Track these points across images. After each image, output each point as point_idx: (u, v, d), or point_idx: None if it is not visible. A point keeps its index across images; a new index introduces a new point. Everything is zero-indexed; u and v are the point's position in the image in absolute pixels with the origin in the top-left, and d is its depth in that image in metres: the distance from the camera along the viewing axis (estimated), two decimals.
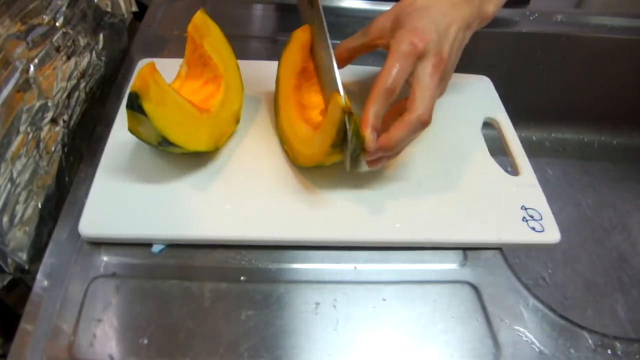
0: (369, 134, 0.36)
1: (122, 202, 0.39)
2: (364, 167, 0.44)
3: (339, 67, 0.44)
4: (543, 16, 0.67)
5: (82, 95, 0.48)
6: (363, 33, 0.43)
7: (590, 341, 0.36)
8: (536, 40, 0.65)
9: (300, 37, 0.45)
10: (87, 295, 0.35)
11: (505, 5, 0.59)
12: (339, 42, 0.52)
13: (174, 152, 0.41)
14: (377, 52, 0.59)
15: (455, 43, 0.39)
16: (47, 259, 0.37)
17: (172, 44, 0.57)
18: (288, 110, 0.44)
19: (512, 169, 0.46)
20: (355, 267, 0.38)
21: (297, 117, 0.43)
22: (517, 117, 0.52)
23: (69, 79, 0.45)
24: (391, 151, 0.37)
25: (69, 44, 0.45)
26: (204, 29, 0.43)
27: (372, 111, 0.37)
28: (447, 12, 0.38)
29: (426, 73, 0.37)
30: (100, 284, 0.35)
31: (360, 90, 0.52)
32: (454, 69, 0.41)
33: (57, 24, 0.44)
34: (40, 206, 0.39)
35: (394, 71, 0.36)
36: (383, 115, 0.37)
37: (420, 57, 0.37)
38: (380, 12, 0.65)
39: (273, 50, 0.58)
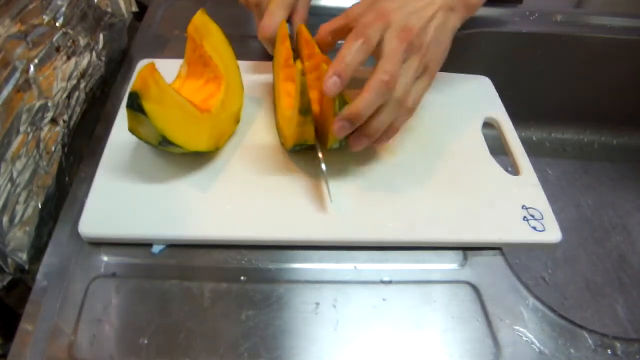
0: (329, 76, 0.35)
1: (122, 202, 0.39)
2: (365, 167, 0.44)
3: (325, 51, 0.45)
4: (543, 16, 0.67)
5: (82, 95, 0.48)
6: (343, 16, 0.44)
7: (590, 341, 0.36)
8: (536, 40, 0.65)
9: (279, 33, 0.47)
10: (87, 295, 0.35)
11: (500, 5, 0.59)
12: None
13: (174, 152, 0.41)
14: None
15: (434, 21, 0.39)
16: (47, 259, 0.37)
17: (172, 44, 0.57)
18: (279, 100, 0.45)
19: (512, 169, 0.46)
20: (355, 267, 0.38)
21: (287, 106, 0.44)
22: (517, 117, 0.52)
23: (69, 79, 0.45)
24: (358, 118, 0.37)
25: (69, 44, 0.45)
26: (204, 29, 0.43)
27: (340, 60, 0.36)
28: None
29: (390, 43, 0.37)
30: (100, 284, 0.35)
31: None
32: (440, 53, 0.40)
33: (57, 24, 0.44)
34: (40, 206, 0.39)
35: (355, 42, 0.36)
36: (353, 71, 0.36)
37: (384, 29, 0.37)
38: None
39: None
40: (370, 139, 0.39)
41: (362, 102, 0.36)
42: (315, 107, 0.42)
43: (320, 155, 0.40)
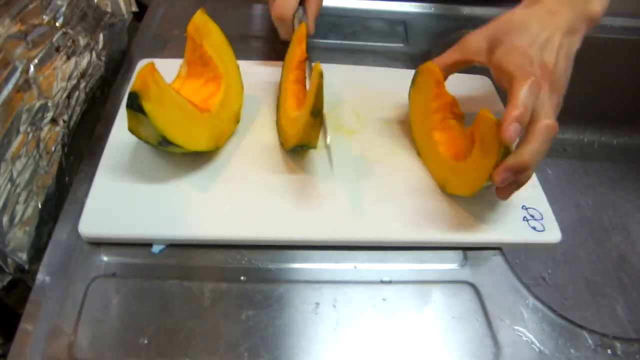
0: (509, 122, 0.34)
1: (122, 202, 0.39)
2: (365, 167, 0.44)
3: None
4: None
5: (82, 95, 0.48)
6: (457, 50, 0.43)
7: (590, 341, 0.36)
8: None
9: (297, 33, 0.47)
10: (87, 295, 0.35)
11: (500, 5, 0.58)
12: (336, 41, 0.52)
13: (174, 152, 0.41)
14: (376, 52, 0.59)
15: (562, 50, 0.38)
16: (47, 259, 0.37)
17: (172, 44, 0.57)
18: (285, 101, 0.45)
19: None
20: (355, 267, 0.38)
21: (292, 107, 0.44)
22: None
23: (69, 79, 0.45)
24: (525, 168, 0.35)
25: (69, 44, 0.45)
26: (204, 29, 0.43)
27: (516, 106, 0.34)
28: (546, 22, 0.38)
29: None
30: (100, 284, 0.35)
31: (365, 90, 0.52)
32: (567, 78, 0.39)
33: (57, 24, 0.44)
34: (40, 206, 0.39)
35: (526, 84, 0.34)
36: (530, 115, 0.35)
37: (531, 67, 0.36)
38: (380, 12, 0.65)
39: (273, 50, 0.58)
40: (519, 187, 0.37)
41: (531, 152, 0.34)
42: (442, 149, 0.42)
43: (328, 137, 0.40)
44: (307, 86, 0.44)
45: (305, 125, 0.38)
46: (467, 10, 0.67)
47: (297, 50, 0.46)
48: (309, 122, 0.37)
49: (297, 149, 0.42)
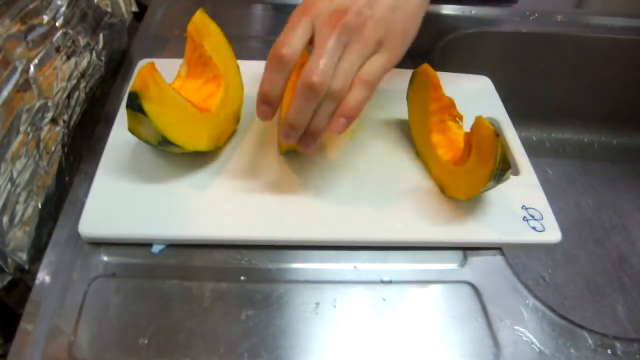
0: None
1: (122, 202, 0.39)
2: (365, 166, 0.44)
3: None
4: (543, 16, 0.67)
5: (82, 95, 0.48)
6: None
7: (590, 341, 0.36)
8: (536, 40, 0.65)
9: None
10: (87, 295, 0.35)
11: (496, 4, 0.58)
12: None
13: (174, 151, 0.41)
14: None
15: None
16: (47, 259, 0.37)
17: (172, 44, 0.57)
18: (286, 102, 0.45)
19: (512, 169, 0.46)
20: (355, 267, 0.38)
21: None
22: (517, 117, 0.52)
23: (69, 79, 0.45)
24: (296, 126, 0.35)
25: (69, 44, 0.45)
26: (204, 29, 0.43)
27: (265, 79, 0.35)
28: None
29: (319, 35, 0.34)
30: (100, 284, 0.35)
31: None
32: (400, 20, 0.36)
33: (57, 24, 0.44)
34: (40, 206, 0.39)
35: (284, 34, 0.34)
36: (280, 85, 0.35)
37: (315, 17, 0.35)
38: None
39: None
40: (315, 138, 0.36)
41: (292, 111, 0.34)
42: (441, 152, 0.42)
43: None
44: None
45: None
46: (467, 10, 0.67)
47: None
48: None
49: (290, 152, 0.42)
